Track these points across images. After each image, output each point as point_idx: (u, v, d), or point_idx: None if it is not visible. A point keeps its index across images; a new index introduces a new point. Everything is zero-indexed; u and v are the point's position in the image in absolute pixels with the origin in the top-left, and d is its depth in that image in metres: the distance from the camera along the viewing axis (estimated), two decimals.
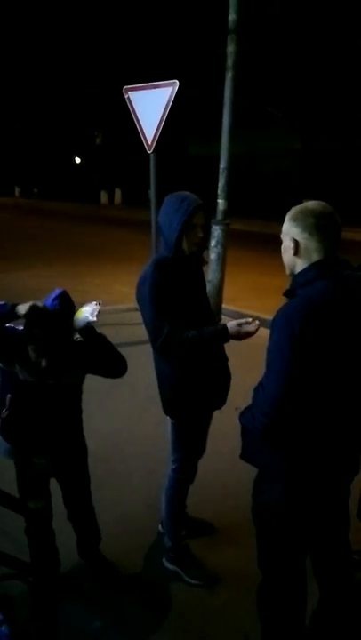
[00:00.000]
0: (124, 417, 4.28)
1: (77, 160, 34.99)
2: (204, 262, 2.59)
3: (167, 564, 2.72)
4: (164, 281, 2.29)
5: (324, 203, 1.81)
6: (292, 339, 1.63)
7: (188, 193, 2.36)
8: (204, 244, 2.44)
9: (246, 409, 1.82)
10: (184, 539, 2.74)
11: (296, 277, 1.78)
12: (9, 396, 2.19)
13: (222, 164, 6.45)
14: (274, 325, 1.70)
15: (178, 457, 2.57)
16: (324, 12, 15.65)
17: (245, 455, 1.89)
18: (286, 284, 1.86)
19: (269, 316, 1.75)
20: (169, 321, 2.25)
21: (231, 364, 2.62)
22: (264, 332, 1.87)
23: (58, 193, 33.62)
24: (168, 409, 2.50)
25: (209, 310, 2.61)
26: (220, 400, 2.61)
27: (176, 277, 2.34)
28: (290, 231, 1.78)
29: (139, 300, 2.34)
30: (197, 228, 2.32)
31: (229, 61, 6.25)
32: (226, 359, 2.62)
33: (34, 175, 36.81)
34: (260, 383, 1.75)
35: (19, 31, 24.63)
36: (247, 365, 4.16)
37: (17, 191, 38.50)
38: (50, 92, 27.27)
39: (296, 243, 1.76)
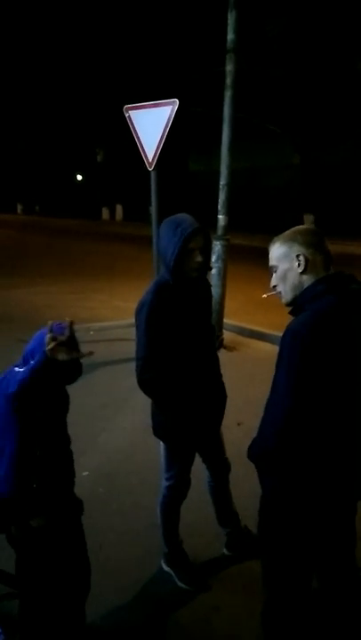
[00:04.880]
0: (128, 433, 4.26)
1: (79, 177, 35.30)
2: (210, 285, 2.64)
3: (164, 566, 2.77)
4: (161, 308, 2.32)
5: (309, 226, 1.89)
6: (303, 354, 1.63)
7: (184, 217, 2.33)
8: (207, 267, 2.44)
9: (253, 441, 1.80)
10: (180, 544, 2.76)
11: (303, 293, 1.77)
12: (38, 452, 2.02)
13: (222, 181, 6.50)
14: (284, 341, 1.69)
15: (171, 475, 2.61)
16: (321, 29, 15.89)
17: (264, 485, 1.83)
18: None
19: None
20: (156, 361, 2.32)
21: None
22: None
23: (60, 210, 33.85)
24: (157, 432, 2.57)
25: (210, 330, 2.64)
26: (211, 423, 2.65)
27: (176, 302, 2.36)
28: (292, 251, 1.78)
29: (136, 325, 2.38)
30: (195, 253, 2.30)
31: (228, 80, 6.33)
32: (218, 377, 2.65)
33: (36, 192, 37.11)
34: (270, 400, 1.74)
35: (20, 49, 24.99)
36: (249, 380, 4.20)
37: (19, 208, 38.78)
38: (51, 109, 27.60)
39: (306, 259, 1.76)
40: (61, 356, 1.75)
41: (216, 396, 2.63)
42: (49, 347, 1.73)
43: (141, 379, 2.37)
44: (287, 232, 1.84)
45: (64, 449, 2.16)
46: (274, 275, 1.85)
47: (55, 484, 2.08)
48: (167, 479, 2.62)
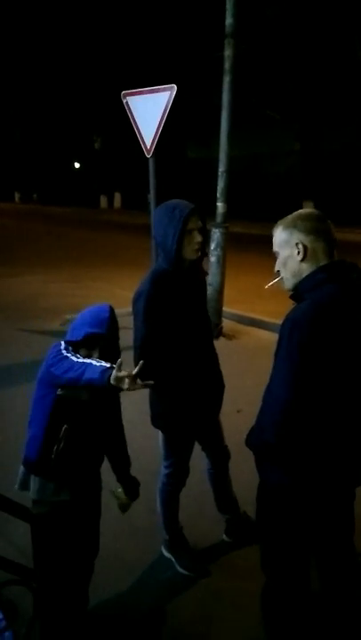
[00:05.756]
0: (126, 421, 4.26)
1: (77, 165, 35.04)
2: (205, 273, 2.62)
3: (164, 552, 2.80)
4: (159, 297, 2.32)
5: (314, 209, 1.84)
6: (301, 344, 1.62)
7: (177, 200, 2.35)
8: (205, 250, 2.44)
9: (252, 429, 1.81)
10: (181, 530, 2.78)
11: (303, 282, 1.76)
12: (65, 427, 2.06)
13: (221, 168, 6.45)
14: (283, 330, 1.68)
15: (170, 463, 2.62)
16: (321, 14, 15.69)
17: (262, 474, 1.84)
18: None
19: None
20: (154, 349, 2.31)
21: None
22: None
23: (57, 198, 33.64)
24: (156, 422, 2.58)
25: (206, 319, 2.64)
26: (209, 411, 2.66)
27: (174, 290, 2.36)
28: (291, 238, 1.76)
29: (133, 315, 2.38)
30: (194, 233, 2.31)
31: (227, 65, 6.26)
32: (216, 365, 2.64)
33: (33, 180, 36.86)
34: (268, 390, 1.74)
35: (18, 36, 24.72)
36: (248, 368, 4.20)
37: (17, 196, 38.56)
38: (49, 97, 27.34)
39: (304, 247, 1.74)
40: (125, 387, 1.84)
41: (214, 384, 2.64)
42: (119, 383, 1.81)
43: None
44: (290, 216, 1.81)
45: (103, 428, 2.22)
46: (277, 260, 1.85)
47: (79, 460, 2.11)
48: (166, 467, 2.64)
